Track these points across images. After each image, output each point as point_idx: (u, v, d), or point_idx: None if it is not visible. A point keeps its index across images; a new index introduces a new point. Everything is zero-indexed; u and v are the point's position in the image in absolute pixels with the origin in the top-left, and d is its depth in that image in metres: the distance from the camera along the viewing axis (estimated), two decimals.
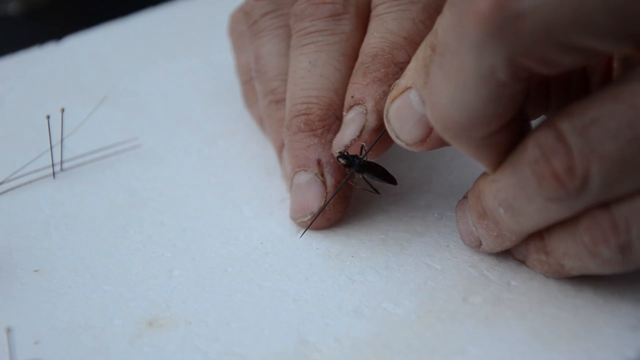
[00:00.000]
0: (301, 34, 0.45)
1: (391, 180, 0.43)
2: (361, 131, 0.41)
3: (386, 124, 0.39)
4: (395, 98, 0.38)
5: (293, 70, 0.44)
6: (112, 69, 0.60)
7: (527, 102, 0.36)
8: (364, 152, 0.41)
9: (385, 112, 0.39)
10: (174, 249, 0.43)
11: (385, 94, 0.40)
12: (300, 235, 0.43)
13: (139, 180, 0.48)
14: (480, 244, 0.40)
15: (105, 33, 0.64)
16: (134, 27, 0.65)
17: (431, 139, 0.38)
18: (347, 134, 0.41)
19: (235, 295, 0.39)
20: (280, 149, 0.46)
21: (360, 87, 0.41)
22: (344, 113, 0.42)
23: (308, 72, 0.44)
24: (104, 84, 0.57)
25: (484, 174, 0.38)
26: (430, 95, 0.35)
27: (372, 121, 0.41)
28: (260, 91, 0.48)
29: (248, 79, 0.51)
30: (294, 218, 0.43)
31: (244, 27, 0.51)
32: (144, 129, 0.53)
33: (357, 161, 0.42)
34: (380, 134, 0.41)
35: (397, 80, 0.38)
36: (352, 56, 0.44)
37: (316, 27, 0.44)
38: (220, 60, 0.60)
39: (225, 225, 0.44)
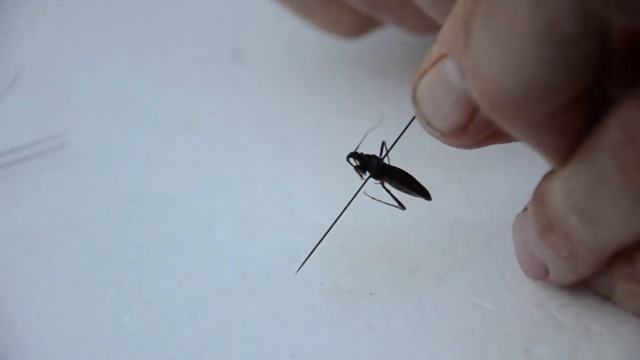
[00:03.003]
0: None
1: (423, 192, 0.37)
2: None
3: (414, 108, 0.34)
4: (425, 71, 0.34)
5: None
6: (26, 40, 0.54)
7: (608, 74, 0.32)
8: (384, 150, 0.36)
9: (412, 91, 0.34)
10: (121, 286, 0.38)
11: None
12: (296, 270, 0.37)
13: (68, 194, 0.43)
14: (547, 273, 0.35)
15: None
16: None
17: (475, 126, 0.34)
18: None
19: (208, 349, 0.34)
20: None
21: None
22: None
23: None
24: (14, 59, 0.52)
25: (550, 172, 0.33)
26: (473, 62, 0.31)
27: None
28: None
29: None
30: None
31: None
32: (72, 123, 0.47)
33: (374, 163, 0.37)
34: (407, 125, 0.36)
35: (430, 47, 0.34)
36: None
37: None
38: (172, 29, 0.55)
39: (191, 253, 0.39)
